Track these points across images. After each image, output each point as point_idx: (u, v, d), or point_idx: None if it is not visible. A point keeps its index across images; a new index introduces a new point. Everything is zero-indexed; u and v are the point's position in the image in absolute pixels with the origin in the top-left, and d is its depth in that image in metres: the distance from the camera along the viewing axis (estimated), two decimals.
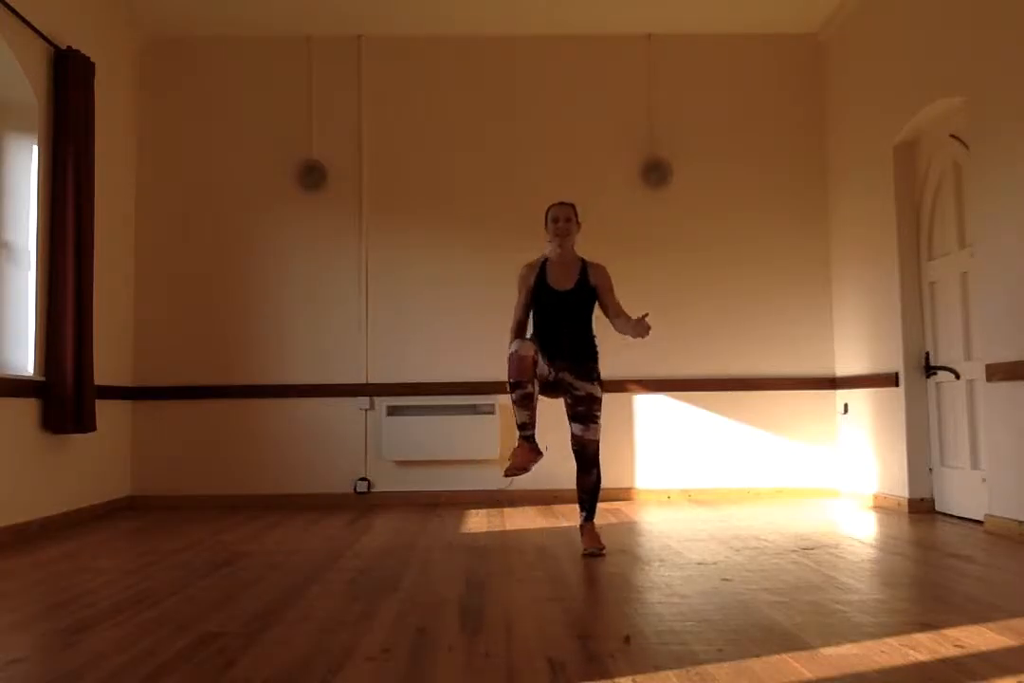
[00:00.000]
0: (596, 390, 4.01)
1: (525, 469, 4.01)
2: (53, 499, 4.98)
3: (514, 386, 3.83)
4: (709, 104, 6.46)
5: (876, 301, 5.67)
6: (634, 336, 3.97)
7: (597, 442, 4.01)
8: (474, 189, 6.33)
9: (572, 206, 4.13)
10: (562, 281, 4.07)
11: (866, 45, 5.81)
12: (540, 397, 4.01)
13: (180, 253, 6.29)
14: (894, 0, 5.42)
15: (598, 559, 3.76)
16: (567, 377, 4.01)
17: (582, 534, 4.04)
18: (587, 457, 4.00)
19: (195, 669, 2.21)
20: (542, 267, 4.11)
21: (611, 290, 4.11)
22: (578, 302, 4.06)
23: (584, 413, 3.98)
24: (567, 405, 4.05)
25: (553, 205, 4.15)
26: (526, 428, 3.97)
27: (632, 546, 4.17)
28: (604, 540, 3.98)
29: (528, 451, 4.01)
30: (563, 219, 4.07)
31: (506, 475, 4.04)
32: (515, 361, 3.80)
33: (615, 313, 4.09)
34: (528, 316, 4.16)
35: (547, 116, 6.43)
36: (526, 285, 4.12)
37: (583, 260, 4.14)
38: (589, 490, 4.05)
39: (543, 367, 3.94)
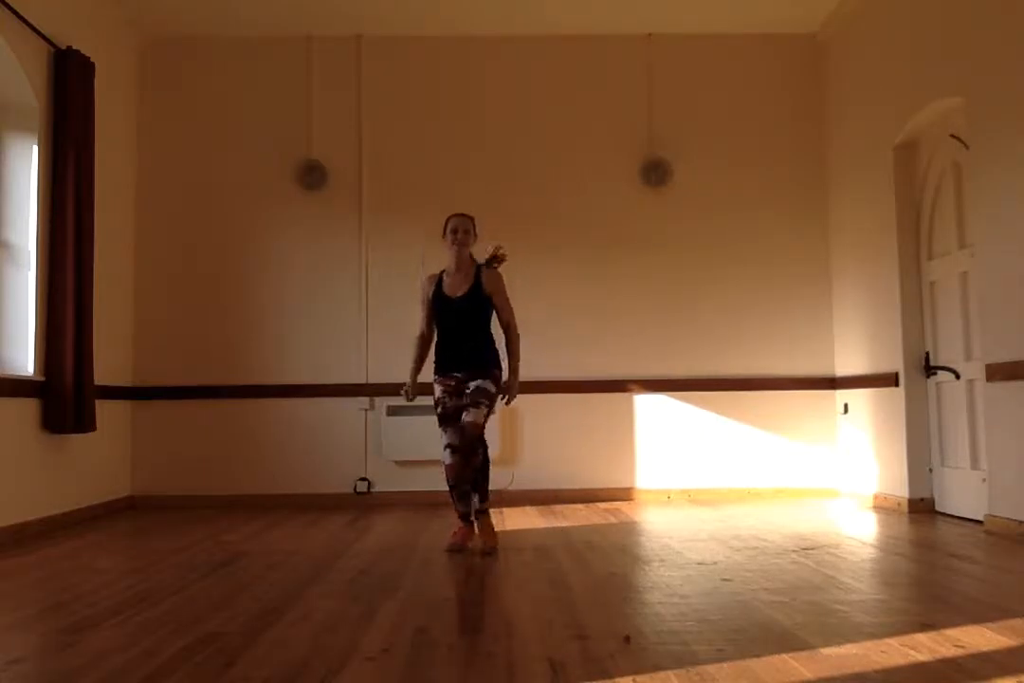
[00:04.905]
0: (489, 385, 4.15)
1: (465, 547, 4.14)
2: (53, 499, 4.98)
3: (453, 487, 4.20)
4: (709, 104, 6.46)
5: (876, 301, 5.67)
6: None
7: (479, 426, 4.09)
8: (474, 189, 6.32)
9: (471, 218, 4.33)
10: (455, 289, 4.26)
11: (866, 45, 5.81)
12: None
13: (180, 253, 6.29)
14: (894, 0, 5.42)
15: (595, 558, 3.76)
16: (467, 386, 4.18)
17: (477, 526, 4.22)
18: (467, 437, 4.08)
19: (195, 669, 2.21)
20: (439, 278, 4.31)
21: (502, 293, 4.28)
22: (472, 307, 4.23)
23: (471, 402, 4.11)
24: (464, 400, 4.18)
25: (453, 215, 4.33)
26: (465, 517, 4.23)
27: (632, 546, 4.17)
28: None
29: (467, 532, 4.21)
30: (462, 230, 4.26)
31: (448, 551, 4.11)
32: (450, 470, 4.15)
33: (504, 322, 4.29)
34: (431, 329, 4.36)
35: (547, 116, 6.43)
36: (425, 297, 4.34)
37: (478, 266, 4.30)
38: (478, 468, 4.16)
39: (458, 402, 4.17)
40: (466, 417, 4.09)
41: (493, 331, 4.26)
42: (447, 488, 4.22)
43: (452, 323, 4.24)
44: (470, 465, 4.12)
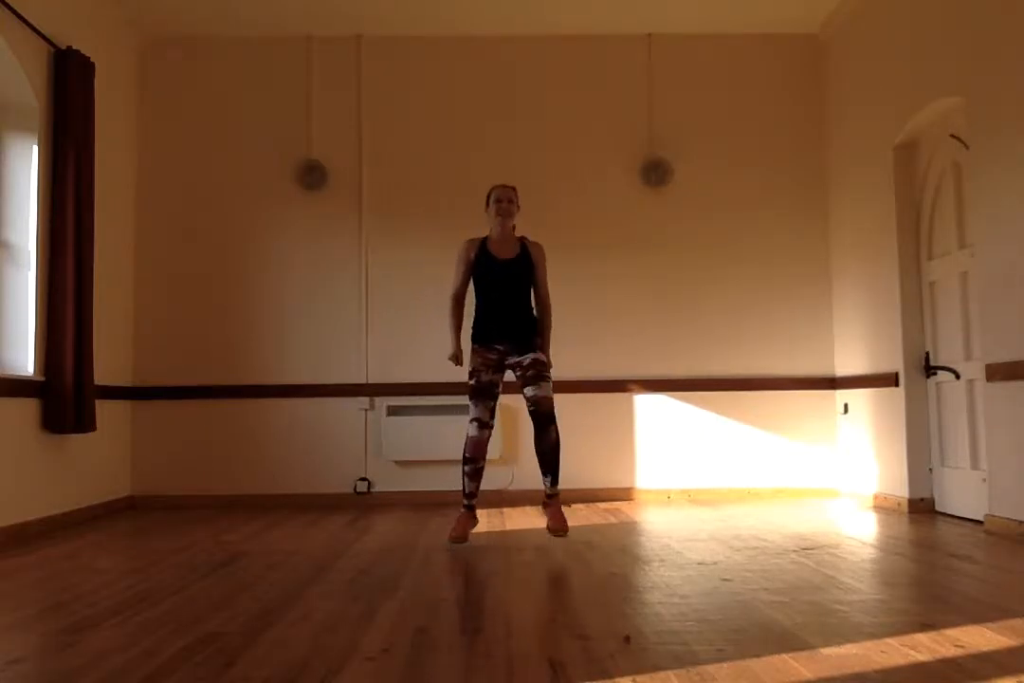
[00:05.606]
0: (543, 358, 4.23)
1: (466, 539, 4.17)
2: (53, 499, 4.98)
3: (469, 460, 4.14)
4: (709, 104, 6.46)
5: (876, 301, 5.67)
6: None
7: (551, 399, 4.17)
8: (474, 189, 6.29)
9: (514, 189, 4.36)
10: (503, 252, 4.26)
11: (866, 45, 5.81)
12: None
13: (180, 253, 6.30)
14: (894, 0, 5.42)
15: (595, 558, 3.76)
16: (512, 359, 4.22)
17: (545, 510, 4.24)
18: (543, 413, 4.14)
19: (195, 669, 2.21)
20: (483, 242, 4.30)
21: (543, 267, 4.32)
22: (519, 271, 4.25)
23: (534, 375, 4.17)
24: (518, 377, 4.23)
25: (497, 186, 4.36)
26: (471, 497, 4.22)
27: (632, 546, 4.17)
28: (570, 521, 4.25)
29: (468, 520, 4.22)
30: (506, 200, 4.29)
31: (451, 541, 4.13)
32: (472, 442, 4.14)
33: (540, 296, 4.33)
34: (466, 289, 4.35)
35: (547, 116, 6.43)
36: (467, 257, 4.30)
37: (522, 238, 4.34)
38: (550, 449, 4.17)
39: (495, 377, 4.22)
40: (537, 392, 4.13)
41: None
42: (460, 463, 4.22)
43: (497, 287, 4.23)
44: (549, 438, 4.11)
